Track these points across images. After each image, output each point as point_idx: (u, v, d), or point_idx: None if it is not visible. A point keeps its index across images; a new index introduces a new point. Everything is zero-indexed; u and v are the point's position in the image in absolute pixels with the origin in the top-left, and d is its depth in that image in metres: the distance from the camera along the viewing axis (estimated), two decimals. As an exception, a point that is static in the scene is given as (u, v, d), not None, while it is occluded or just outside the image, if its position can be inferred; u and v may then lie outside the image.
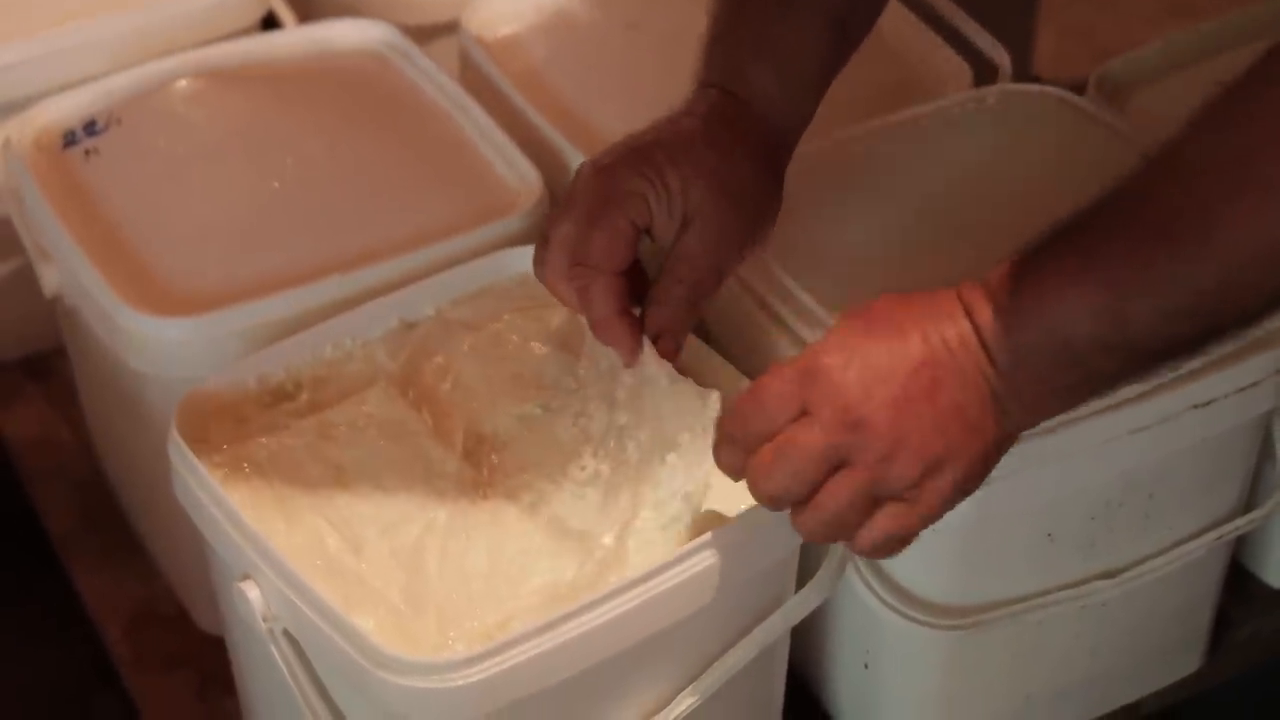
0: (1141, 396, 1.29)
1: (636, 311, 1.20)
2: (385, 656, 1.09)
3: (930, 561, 1.32)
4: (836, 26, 1.23)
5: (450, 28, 1.68)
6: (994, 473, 1.25)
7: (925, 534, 1.28)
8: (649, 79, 1.57)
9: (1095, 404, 1.26)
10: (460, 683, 1.09)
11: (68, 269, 1.45)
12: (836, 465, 1.06)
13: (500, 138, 1.51)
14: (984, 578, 1.34)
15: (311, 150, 1.52)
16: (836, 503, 1.07)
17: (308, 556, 1.17)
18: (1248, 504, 1.44)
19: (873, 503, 1.07)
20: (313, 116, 1.56)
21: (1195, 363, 1.30)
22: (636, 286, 1.20)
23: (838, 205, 1.40)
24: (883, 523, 1.08)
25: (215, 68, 1.60)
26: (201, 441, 1.24)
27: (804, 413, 1.06)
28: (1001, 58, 1.61)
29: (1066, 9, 1.83)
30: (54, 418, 1.75)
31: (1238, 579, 1.55)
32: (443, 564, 1.17)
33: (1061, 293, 1.03)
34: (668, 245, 1.19)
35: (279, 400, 1.29)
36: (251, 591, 1.17)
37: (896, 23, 1.68)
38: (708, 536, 1.17)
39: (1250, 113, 0.99)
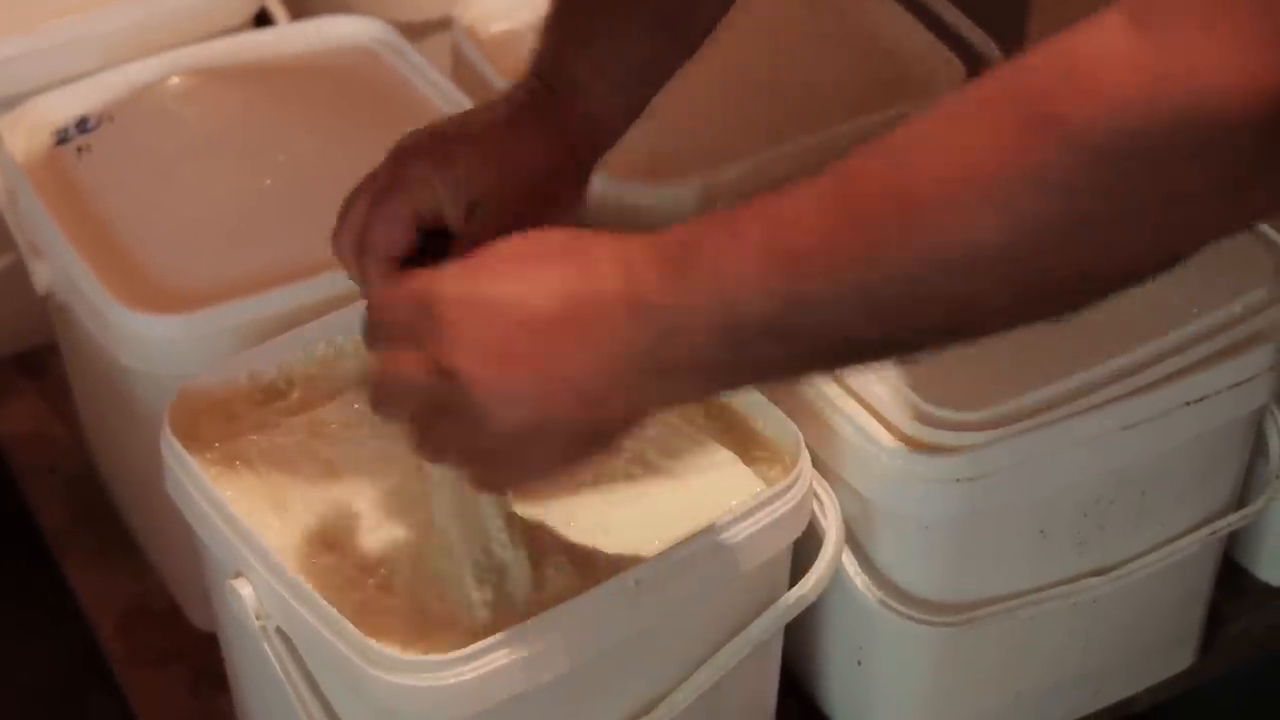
0: (1134, 393, 1.29)
1: None
2: (377, 653, 1.09)
3: (923, 558, 1.32)
4: (666, 24, 1.21)
5: (443, 24, 1.68)
6: (987, 468, 1.26)
7: (918, 531, 1.29)
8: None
9: (1087, 400, 1.27)
10: (452, 680, 1.09)
11: (60, 266, 1.45)
12: (438, 403, 0.99)
13: (492, 135, 1.51)
14: (976, 574, 1.34)
15: (304, 147, 1.52)
16: (433, 441, 1.02)
17: (299, 554, 1.17)
18: (1240, 500, 1.44)
19: (469, 454, 1.02)
20: (305, 113, 1.56)
21: (1187, 359, 1.30)
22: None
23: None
24: (476, 472, 1.03)
25: (208, 65, 1.60)
26: (194, 438, 1.24)
27: (413, 337, 1.00)
28: (993, 53, 1.61)
29: (1058, 3, 1.83)
30: (46, 414, 1.75)
31: (1230, 575, 1.55)
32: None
33: (741, 262, 0.91)
34: (460, 231, 1.18)
35: (271, 398, 1.29)
36: (244, 589, 1.17)
37: (888, 18, 1.68)
38: (700, 533, 1.17)
39: (981, 107, 0.87)
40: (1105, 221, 0.84)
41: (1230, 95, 0.79)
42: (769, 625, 1.23)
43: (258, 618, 1.17)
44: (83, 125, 1.53)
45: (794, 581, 1.25)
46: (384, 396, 1.03)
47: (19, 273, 1.50)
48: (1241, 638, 1.56)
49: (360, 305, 1.31)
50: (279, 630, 1.17)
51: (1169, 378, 1.30)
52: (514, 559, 1.15)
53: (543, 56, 1.22)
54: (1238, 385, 1.33)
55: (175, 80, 1.58)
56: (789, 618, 1.24)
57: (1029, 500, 1.31)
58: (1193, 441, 1.35)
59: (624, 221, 1.49)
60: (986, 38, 1.63)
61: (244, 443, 1.25)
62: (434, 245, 1.16)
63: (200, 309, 1.36)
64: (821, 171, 0.91)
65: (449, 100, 1.55)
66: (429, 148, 1.18)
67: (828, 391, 1.28)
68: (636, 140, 1.54)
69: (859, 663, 1.40)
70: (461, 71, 1.62)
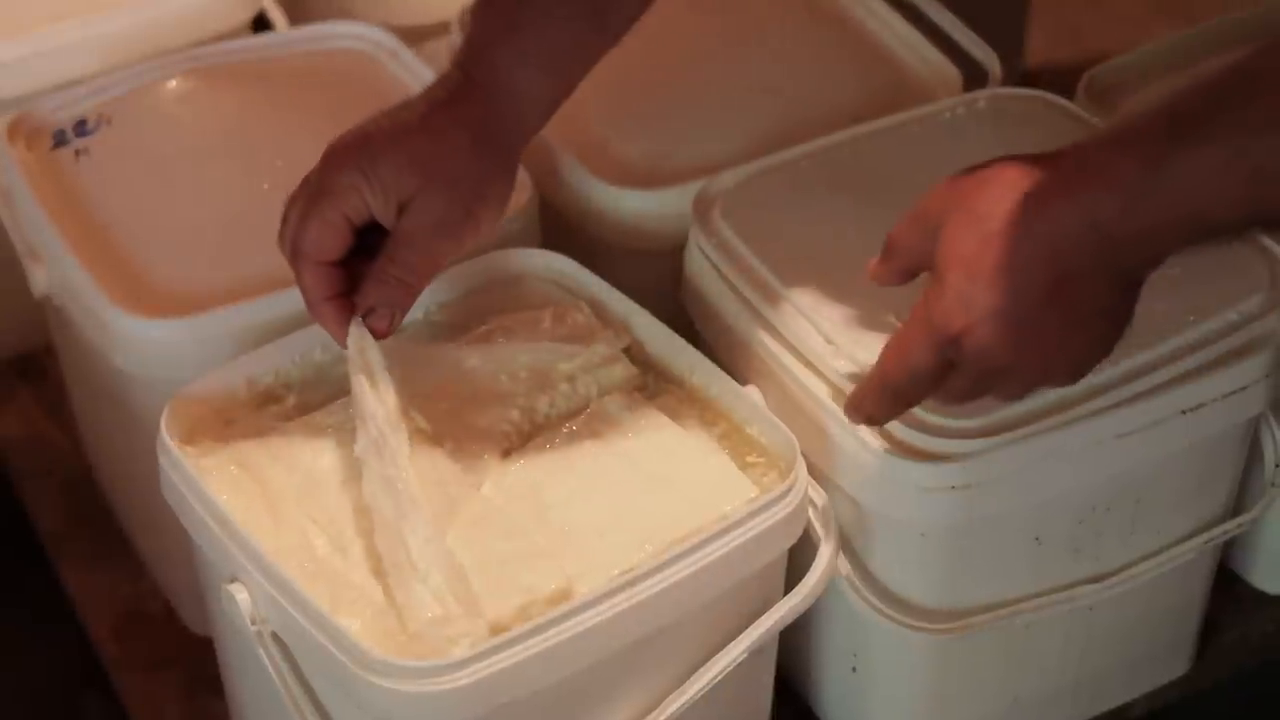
0: (1130, 401, 1.29)
1: None
2: (372, 659, 1.09)
3: (918, 565, 1.32)
4: (590, 14, 1.24)
5: (441, 29, 1.68)
6: (982, 476, 1.26)
7: (914, 538, 1.29)
8: (639, 79, 1.58)
9: (1083, 407, 1.27)
10: (447, 686, 1.09)
11: (57, 269, 1.45)
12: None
13: (490, 140, 1.51)
14: (972, 581, 1.34)
15: (302, 151, 1.50)
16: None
17: (295, 559, 1.17)
18: (1235, 508, 1.44)
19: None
20: (303, 117, 1.56)
21: (1183, 367, 1.30)
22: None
23: (827, 209, 1.41)
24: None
25: (206, 68, 1.60)
26: (190, 443, 1.25)
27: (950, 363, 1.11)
28: (991, 62, 1.61)
29: (1056, 12, 1.84)
30: (43, 418, 1.76)
31: (1225, 582, 1.55)
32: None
33: (1207, 186, 1.02)
34: (392, 228, 1.23)
35: (267, 402, 1.30)
36: (240, 594, 1.17)
37: (887, 27, 1.69)
38: (695, 540, 1.17)
39: None
40: None
41: None
42: (764, 631, 1.23)
43: (253, 622, 1.17)
44: (81, 128, 1.53)
45: (789, 588, 1.25)
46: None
47: (16, 276, 1.50)
48: (1237, 645, 1.56)
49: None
50: (274, 635, 1.17)
51: (1164, 385, 1.30)
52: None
53: (467, 46, 1.25)
54: (1233, 393, 1.33)
55: (174, 83, 1.58)
56: (784, 624, 1.24)
57: (1024, 507, 1.31)
58: (1188, 449, 1.35)
59: (622, 230, 1.49)
60: (985, 47, 1.64)
61: (240, 447, 1.25)
62: (372, 240, 1.22)
63: (197, 313, 1.36)
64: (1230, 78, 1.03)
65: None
66: (355, 153, 1.22)
67: (823, 397, 1.28)
68: (635, 148, 1.55)
69: (854, 669, 1.40)
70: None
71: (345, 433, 1.25)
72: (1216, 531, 1.41)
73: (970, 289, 1.07)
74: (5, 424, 1.76)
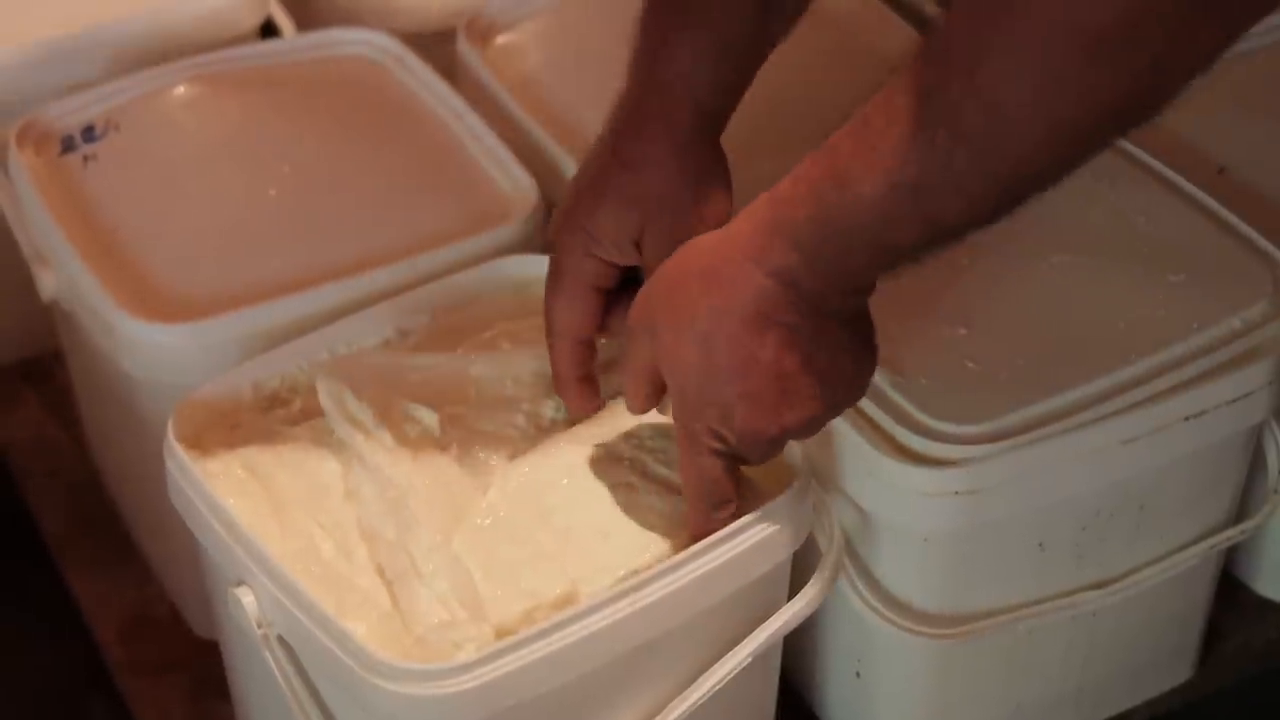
0: (1133, 407, 1.29)
1: None
2: (378, 662, 1.10)
3: (922, 570, 1.32)
4: (759, 1, 1.23)
5: (448, 36, 1.68)
6: (986, 481, 1.26)
7: (917, 543, 1.29)
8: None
9: (1086, 414, 1.27)
10: (452, 689, 1.10)
11: (65, 274, 1.45)
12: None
13: (497, 146, 1.52)
14: (975, 587, 1.34)
15: (308, 157, 1.53)
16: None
17: (302, 563, 1.18)
18: (1239, 514, 1.44)
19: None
20: (310, 124, 1.56)
21: (1186, 374, 1.31)
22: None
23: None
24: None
25: (214, 74, 1.60)
26: (197, 447, 1.25)
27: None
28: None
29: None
30: (50, 421, 1.76)
31: (1228, 589, 1.55)
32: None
33: (877, 217, 1.02)
34: (641, 264, 1.23)
35: (274, 407, 1.30)
36: (246, 597, 1.17)
37: (891, 34, 1.69)
38: (701, 545, 1.17)
39: None
40: None
41: None
42: (768, 637, 1.23)
43: (259, 625, 1.17)
44: (89, 134, 1.54)
45: (793, 593, 1.25)
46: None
47: (24, 280, 1.50)
48: (1240, 652, 1.56)
49: (363, 314, 1.33)
50: (280, 638, 1.17)
51: (1168, 392, 1.31)
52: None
53: (639, 55, 1.24)
54: (1236, 400, 1.33)
55: (181, 89, 1.59)
56: (788, 629, 1.24)
57: (1028, 513, 1.31)
58: (1192, 456, 1.36)
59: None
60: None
61: (247, 452, 1.25)
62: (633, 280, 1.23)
63: (205, 318, 1.37)
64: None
65: (453, 111, 1.56)
66: (571, 220, 1.23)
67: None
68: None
69: (858, 674, 1.40)
70: (466, 83, 1.63)
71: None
72: (1219, 538, 1.42)
73: (709, 389, 1.09)
74: (12, 427, 1.76)
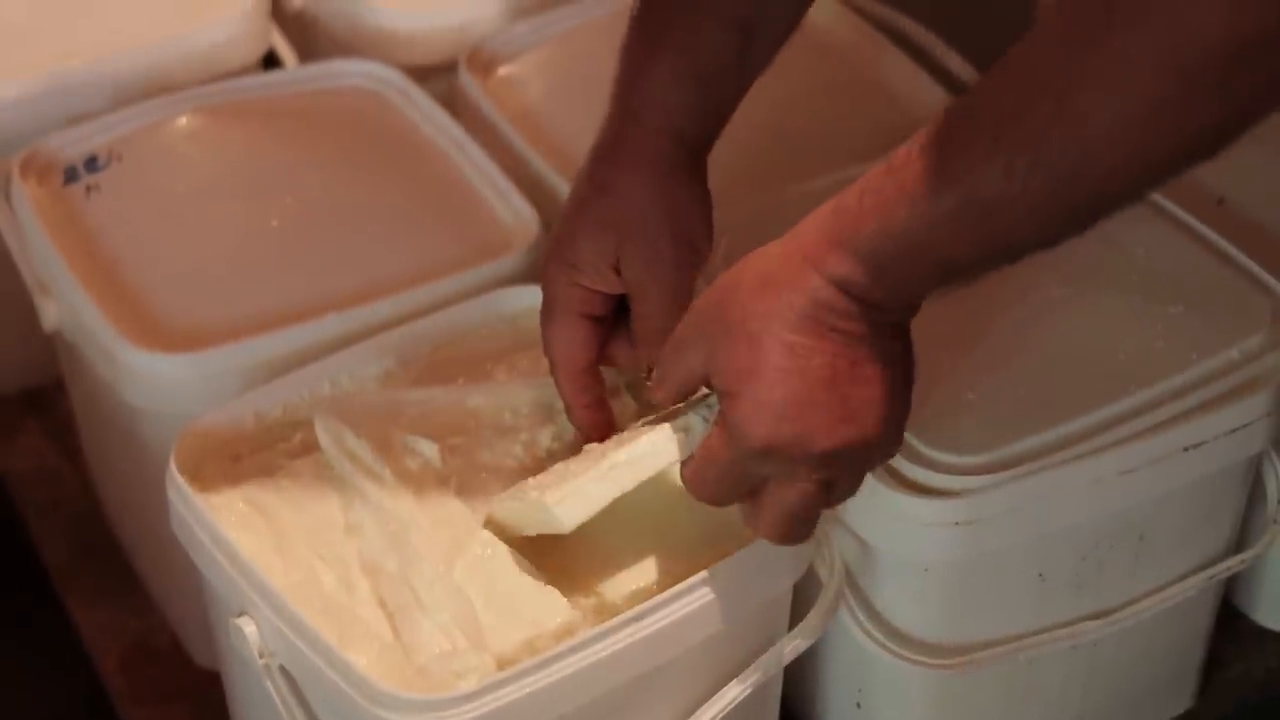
0: (1133, 437, 1.30)
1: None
2: (381, 693, 1.10)
3: (922, 600, 1.33)
4: (740, 29, 1.22)
5: (449, 67, 1.69)
6: (986, 511, 1.26)
7: (917, 573, 1.30)
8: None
9: (1086, 444, 1.28)
10: (454, 719, 1.10)
11: (67, 304, 1.46)
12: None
13: (498, 176, 1.52)
14: (975, 617, 1.34)
15: (310, 188, 1.53)
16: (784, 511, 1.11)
17: (303, 595, 1.18)
18: (1238, 544, 1.45)
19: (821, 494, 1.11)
20: (312, 155, 1.57)
21: (1186, 404, 1.31)
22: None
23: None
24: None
25: (216, 106, 1.61)
26: (199, 477, 1.25)
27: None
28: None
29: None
30: (52, 451, 1.76)
31: (1228, 618, 1.56)
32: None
33: (944, 235, 1.02)
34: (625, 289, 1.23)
35: (276, 437, 1.30)
36: (248, 627, 1.17)
37: (894, 67, 1.70)
38: (702, 574, 1.17)
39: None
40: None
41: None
42: (768, 667, 1.24)
43: (261, 656, 1.17)
44: (92, 164, 1.54)
45: (794, 623, 1.25)
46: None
47: (26, 309, 1.51)
48: (1239, 681, 1.56)
49: (364, 345, 1.34)
50: (282, 668, 1.17)
51: (1167, 423, 1.31)
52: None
53: (619, 80, 1.24)
54: (1235, 431, 1.33)
55: (184, 120, 1.59)
56: (789, 659, 1.25)
57: (1028, 543, 1.31)
58: (1191, 486, 1.36)
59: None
60: (975, 71, 1.64)
61: (248, 484, 1.26)
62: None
63: (206, 348, 1.37)
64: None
65: (454, 142, 1.56)
66: (555, 249, 1.24)
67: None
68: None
69: (858, 705, 1.41)
70: (467, 114, 1.63)
71: (353, 468, 1.26)
72: (1219, 567, 1.42)
73: (761, 393, 1.06)
74: (13, 458, 1.76)
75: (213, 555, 1.20)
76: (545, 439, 1.29)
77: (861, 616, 1.33)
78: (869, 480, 1.26)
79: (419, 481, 1.23)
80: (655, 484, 1.19)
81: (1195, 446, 1.33)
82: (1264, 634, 1.59)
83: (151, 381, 1.38)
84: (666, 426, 1.15)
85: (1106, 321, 1.36)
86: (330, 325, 1.38)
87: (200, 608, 1.31)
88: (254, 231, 1.49)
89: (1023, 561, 1.32)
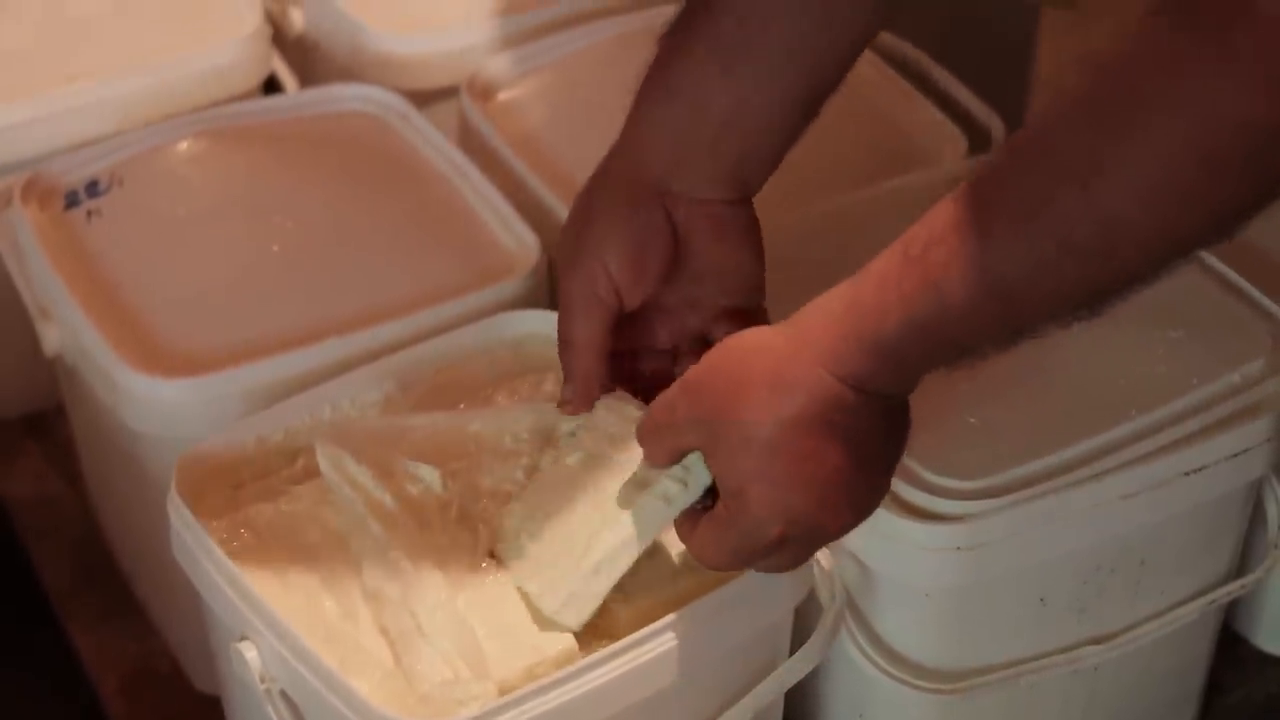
0: (1134, 462, 1.30)
1: None
2: (382, 718, 1.10)
3: (923, 625, 1.32)
4: (724, 56, 1.19)
5: (450, 92, 1.69)
6: (986, 536, 1.26)
7: (919, 598, 1.30)
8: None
9: (1087, 469, 1.28)
10: (455, 745, 1.10)
11: (68, 329, 1.46)
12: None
13: (499, 202, 1.52)
14: (976, 641, 1.34)
15: (311, 212, 1.53)
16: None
17: (305, 620, 1.18)
18: (1239, 569, 1.45)
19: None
20: (313, 180, 1.57)
21: (1186, 429, 1.31)
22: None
23: (833, 275, 1.41)
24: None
25: (217, 130, 1.61)
26: (200, 502, 1.25)
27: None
28: (995, 124, 1.62)
29: (1061, 73, 1.85)
30: (52, 475, 1.76)
31: (1229, 643, 1.56)
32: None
33: (958, 318, 1.02)
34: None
35: (277, 463, 1.30)
36: (249, 652, 1.17)
37: (893, 92, 1.70)
38: (702, 600, 1.17)
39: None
40: None
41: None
42: (770, 691, 1.24)
43: (262, 681, 1.17)
44: (93, 189, 1.55)
45: (795, 647, 1.25)
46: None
47: (26, 334, 1.51)
48: (1240, 706, 1.56)
49: (365, 370, 1.33)
50: (283, 694, 1.17)
51: (1168, 448, 1.31)
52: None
53: (631, 110, 1.23)
54: (1236, 455, 1.34)
55: (185, 145, 1.60)
56: (790, 684, 1.25)
57: (1028, 568, 1.31)
58: (1192, 511, 1.36)
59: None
60: (988, 109, 1.64)
61: (250, 508, 1.26)
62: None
63: (207, 373, 1.38)
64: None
65: (455, 166, 1.57)
66: (564, 255, 1.21)
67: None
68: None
69: (859, 729, 1.41)
70: (468, 138, 1.64)
71: (353, 494, 1.26)
72: (1220, 593, 1.42)
73: (777, 495, 1.06)
74: (14, 482, 1.76)
75: (214, 580, 1.20)
76: (546, 463, 1.29)
77: (862, 640, 1.33)
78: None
79: (420, 507, 1.23)
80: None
81: (1196, 471, 1.33)
82: (1265, 659, 1.59)
83: (152, 406, 1.38)
84: (648, 499, 1.15)
85: (1107, 347, 1.35)
86: (331, 349, 1.39)
87: (201, 632, 1.31)
88: (255, 255, 1.50)
89: (1024, 586, 1.32)
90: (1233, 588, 1.42)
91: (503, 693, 1.13)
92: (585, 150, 1.59)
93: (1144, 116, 0.92)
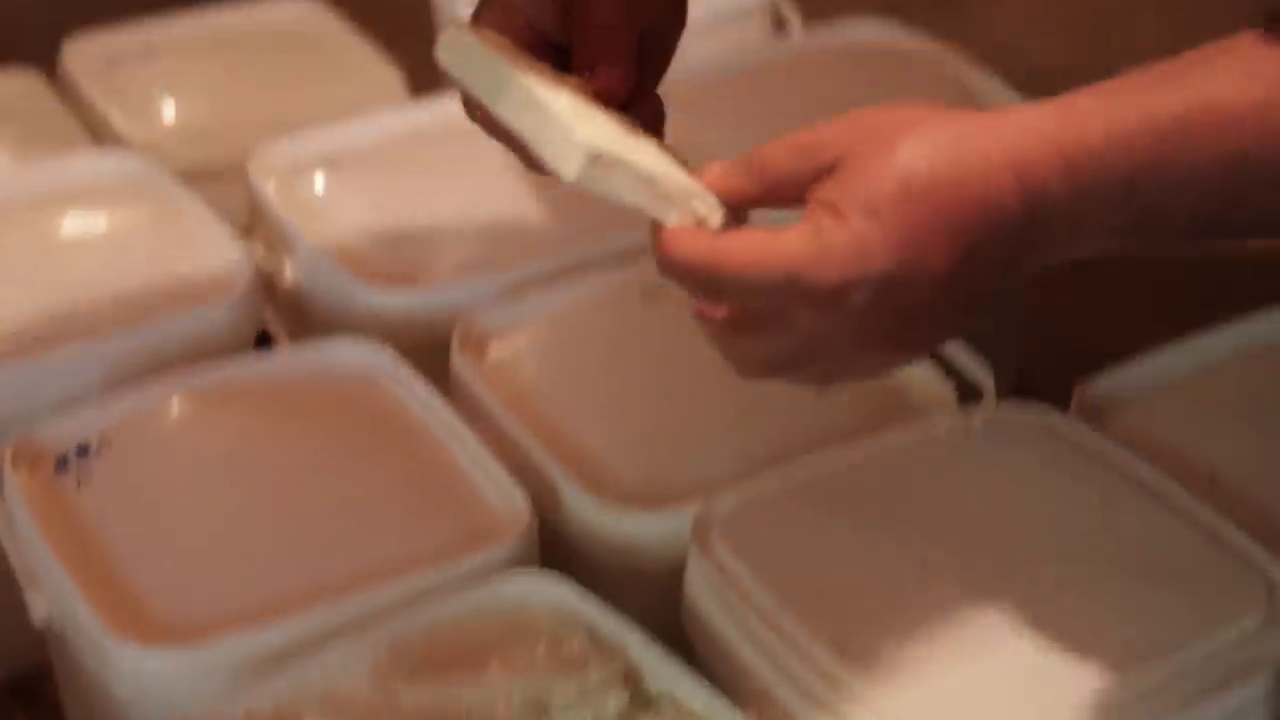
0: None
1: None
2: None
3: None
4: None
5: (442, 344, 1.69)
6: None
7: None
8: (643, 399, 1.59)
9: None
10: None
11: (56, 596, 1.45)
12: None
13: (489, 462, 1.52)
14: None
15: (302, 474, 1.54)
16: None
17: None
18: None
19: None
20: (304, 438, 1.57)
21: (1183, 689, 1.30)
22: None
23: (829, 533, 1.40)
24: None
25: (207, 388, 1.62)
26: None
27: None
28: (985, 378, 1.62)
29: (1048, 324, 1.86)
30: (42, 743, 1.75)
31: None
32: None
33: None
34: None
35: (268, 737, 1.29)
36: None
37: (943, 73, 1.70)
38: None
39: None
40: None
41: None
42: None
43: None
44: (83, 452, 1.55)
45: None
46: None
47: (13, 596, 1.50)
48: None
49: (355, 638, 1.33)
50: None
51: (1161, 709, 1.29)
52: None
53: None
54: (1232, 718, 1.32)
55: (175, 405, 1.60)
56: None
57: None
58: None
59: (622, 551, 1.49)
60: (977, 362, 1.64)
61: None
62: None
63: (196, 642, 1.37)
64: None
65: (445, 425, 1.57)
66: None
67: None
68: (633, 467, 1.55)
69: None
70: (459, 393, 1.64)
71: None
72: None
73: (875, 238, 0.95)
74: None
75: None
76: None
77: None
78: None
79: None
80: None
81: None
82: None
83: (141, 677, 1.37)
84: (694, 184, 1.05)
85: (1095, 604, 1.34)
86: (321, 617, 1.38)
87: None
88: (244, 518, 1.50)
89: None
90: None
91: None
92: (578, 407, 1.61)
93: None
